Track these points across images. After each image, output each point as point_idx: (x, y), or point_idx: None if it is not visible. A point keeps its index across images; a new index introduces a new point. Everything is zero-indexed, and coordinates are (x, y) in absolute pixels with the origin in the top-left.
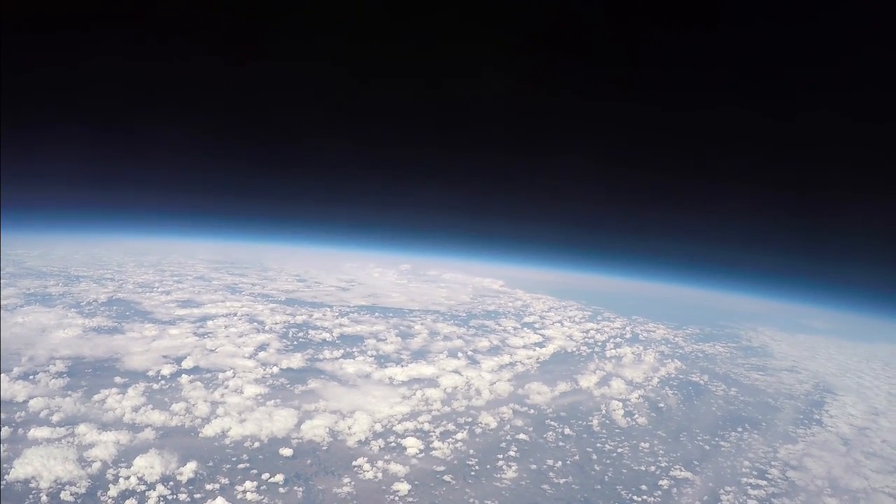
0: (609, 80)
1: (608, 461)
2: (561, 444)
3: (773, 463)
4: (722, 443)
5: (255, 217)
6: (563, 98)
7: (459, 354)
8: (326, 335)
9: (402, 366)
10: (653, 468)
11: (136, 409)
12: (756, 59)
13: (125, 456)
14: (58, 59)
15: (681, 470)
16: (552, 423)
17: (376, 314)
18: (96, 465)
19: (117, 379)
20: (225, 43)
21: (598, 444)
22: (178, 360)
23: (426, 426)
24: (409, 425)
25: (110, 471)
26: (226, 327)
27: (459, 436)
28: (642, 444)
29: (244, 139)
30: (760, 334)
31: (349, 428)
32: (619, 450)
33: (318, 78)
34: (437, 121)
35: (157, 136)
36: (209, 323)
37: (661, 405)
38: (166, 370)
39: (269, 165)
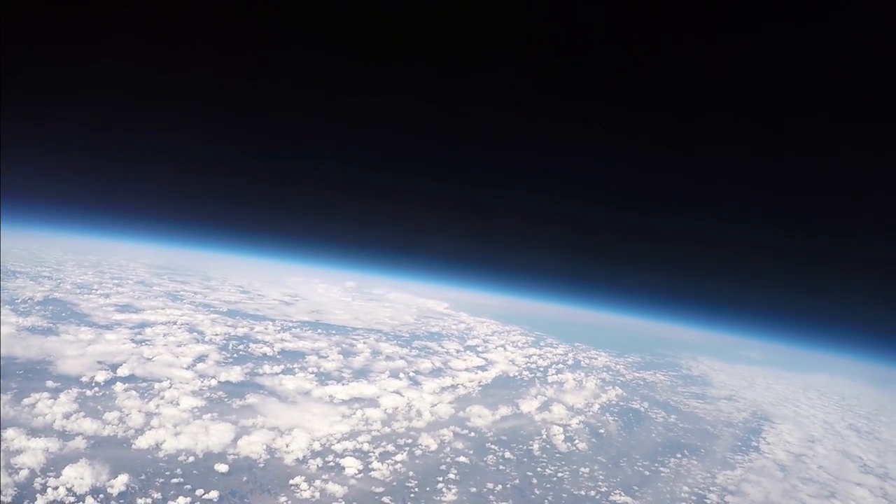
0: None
1: (548, 485)
2: (501, 467)
3: (711, 488)
4: (662, 469)
5: (201, 224)
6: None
7: (401, 375)
8: (267, 349)
9: (343, 384)
10: (593, 493)
11: (67, 416)
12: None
13: (54, 465)
14: None
15: (621, 495)
16: (493, 446)
17: (319, 330)
18: (24, 473)
19: (49, 383)
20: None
21: (539, 469)
22: (114, 367)
23: (366, 446)
24: (349, 445)
25: (38, 480)
26: (164, 336)
27: (399, 457)
28: (582, 468)
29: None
30: (700, 363)
31: (287, 445)
32: (560, 474)
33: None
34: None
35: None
36: (147, 330)
37: (602, 431)
38: (101, 377)
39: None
